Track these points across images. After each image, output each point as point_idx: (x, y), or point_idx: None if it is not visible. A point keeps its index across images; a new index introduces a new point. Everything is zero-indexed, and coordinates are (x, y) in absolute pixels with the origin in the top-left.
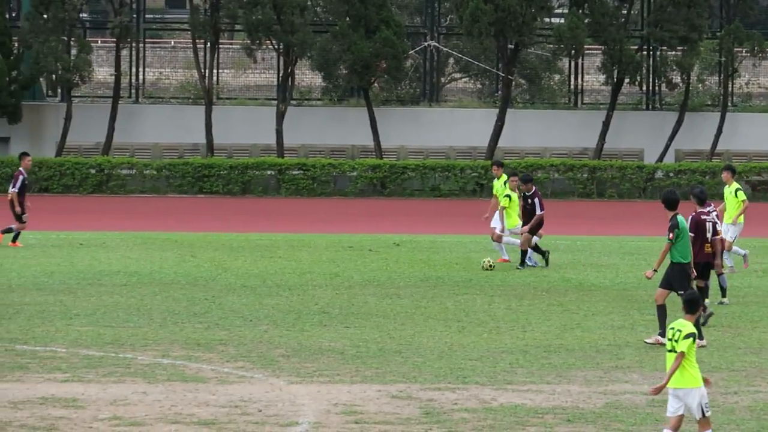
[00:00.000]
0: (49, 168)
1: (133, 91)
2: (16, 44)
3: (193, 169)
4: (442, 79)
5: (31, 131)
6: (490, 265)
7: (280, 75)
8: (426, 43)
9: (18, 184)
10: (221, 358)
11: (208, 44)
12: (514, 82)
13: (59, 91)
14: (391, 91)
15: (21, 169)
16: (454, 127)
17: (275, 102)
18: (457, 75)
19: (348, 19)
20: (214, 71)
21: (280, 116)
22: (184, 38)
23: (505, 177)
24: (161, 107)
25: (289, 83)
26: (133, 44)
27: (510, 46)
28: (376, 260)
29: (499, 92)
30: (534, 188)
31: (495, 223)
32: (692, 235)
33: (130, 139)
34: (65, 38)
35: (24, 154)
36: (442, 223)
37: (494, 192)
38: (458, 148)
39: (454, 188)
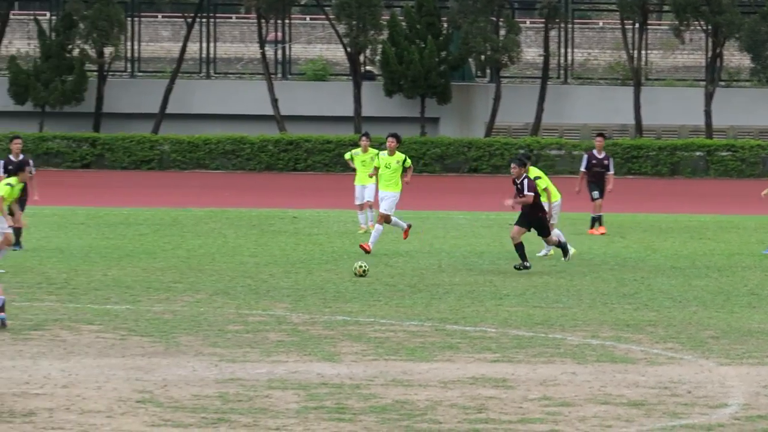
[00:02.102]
0: (479, 148)
1: (562, 71)
2: (446, 25)
3: (622, 149)
4: None
5: (460, 111)
6: (363, 271)
7: (708, 56)
8: None
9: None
10: (650, 339)
11: (636, 25)
12: None
13: (488, 71)
14: None
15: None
16: None
17: (703, 83)
18: None
19: None
20: (642, 52)
21: (709, 97)
22: (612, 19)
23: None
24: (589, 88)
25: (717, 64)
26: (562, 25)
27: None
28: None
29: None
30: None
31: None
32: None
33: (559, 120)
34: (494, 18)
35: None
36: None
37: None
38: None
39: None
